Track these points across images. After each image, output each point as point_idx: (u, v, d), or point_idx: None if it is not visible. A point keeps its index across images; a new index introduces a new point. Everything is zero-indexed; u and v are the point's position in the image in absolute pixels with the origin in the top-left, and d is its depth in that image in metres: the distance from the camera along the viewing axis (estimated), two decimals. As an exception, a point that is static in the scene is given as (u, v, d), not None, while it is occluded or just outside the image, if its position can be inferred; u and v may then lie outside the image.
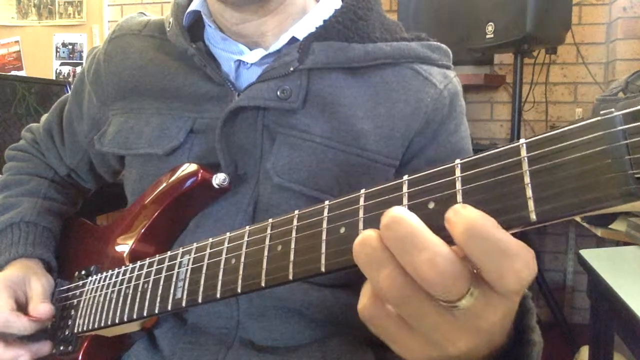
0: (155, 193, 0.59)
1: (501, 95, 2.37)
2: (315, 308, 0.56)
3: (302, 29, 0.60)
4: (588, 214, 0.25)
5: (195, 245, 0.46)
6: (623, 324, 0.93)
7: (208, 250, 0.44)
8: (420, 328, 0.29)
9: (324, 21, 0.59)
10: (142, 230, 0.59)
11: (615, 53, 2.13)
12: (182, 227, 0.60)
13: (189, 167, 0.57)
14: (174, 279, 0.47)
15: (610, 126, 0.24)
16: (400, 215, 0.27)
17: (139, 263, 0.53)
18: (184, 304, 0.44)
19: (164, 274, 0.48)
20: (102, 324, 0.54)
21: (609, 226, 1.50)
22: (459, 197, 0.28)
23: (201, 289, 0.43)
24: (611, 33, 2.19)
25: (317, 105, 0.58)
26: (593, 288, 1.08)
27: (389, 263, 0.27)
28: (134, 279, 0.52)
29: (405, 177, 0.31)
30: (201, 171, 0.56)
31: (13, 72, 2.73)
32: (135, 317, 0.50)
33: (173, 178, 0.58)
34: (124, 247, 0.61)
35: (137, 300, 0.50)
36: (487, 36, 1.80)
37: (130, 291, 0.52)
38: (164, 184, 0.59)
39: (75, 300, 0.62)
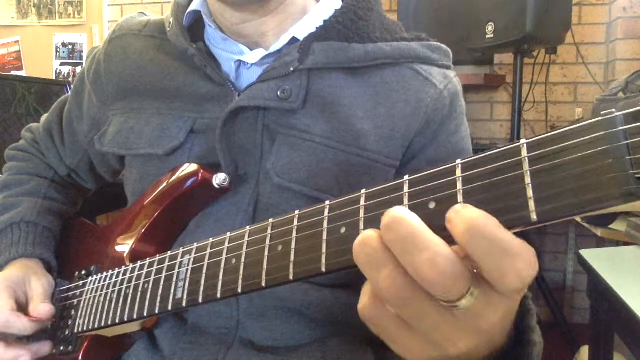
0: (156, 193, 0.59)
1: (501, 95, 2.37)
2: (316, 308, 0.56)
3: (303, 29, 0.60)
4: (589, 214, 0.25)
5: (195, 245, 0.46)
6: (623, 324, 0.93)
7: (208, 250, 0.44)
8: (420, 328, 0.29)
9: (324, 21, 0.60)
10: (143, 230, 0.59)
11: (615, 53, 2.13)
12: (183, 227, 0.60)
13: (190, 167, 0.57)
14: (174, 279, 0.47)
15: (611, 126, 0.24)
16: (401, 216, 0.27)
17: (139, 263, 0.53)
18: (184, 304, 0.44)
19: (164, 274, 0.48)
20: (103, 324, 0.54)
21: (609, 226, 1.50)
22: (460, 197, 0.28)
23: (202, 289, 0.43)
24: (611, 33, 2.19)
25: (317, 106, 0.58)
26: (593, 288, 1.08)
27: (389, 263, 0.27)
28: (134, 279, 0.52)
29: (406, 177, 0.31)
30: (201, 171, 0.56)
31: (13, 72, 2.73)
32: (135, 317, 0.50)
33: (173, 178, 0.58)
34: (124, 247, 0.61)
35: (138, 300, 0.50)
36: (487, 36, 1.80)
37: (131, 291, 0.52)
38: (165, 184, 0.59)
39: (75, 300, 0.62)
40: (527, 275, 0.25)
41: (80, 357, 0.58)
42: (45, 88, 1.67)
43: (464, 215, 0.26)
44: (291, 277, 0.35)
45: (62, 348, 0.60)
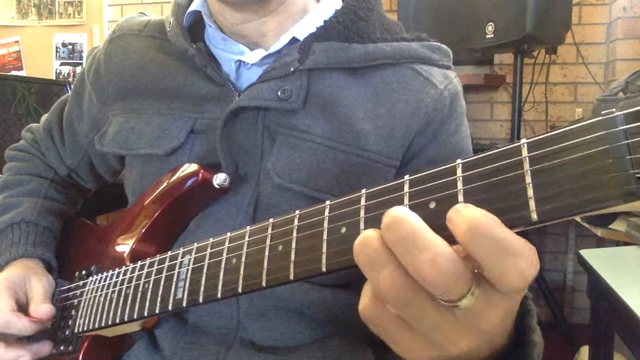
0: (156, 193, 0.59)
1: (501, 95, 2.37)
2: (316, 308, 0.56)
3: (303, 29, 0.60)
4: (589, 213, 0.25)
5: (196, 245, 0.46)
6: (623, 324, 0.93)
7: (209, 250, 0.44)
8: (420, 328, 0.29)
9: (325, 21, 0.60)
10: (143, 230, 0.59)
11: (615, 53, 2.13)
12: (183, 227, 0.60)
13: (190, 167, 0.57)
14: (174, 279, 0.47)
15: (611, 126, 0.24)
16: (402, 215, 0.27)
17: (139, 263, 0.53)
18: (184, 304, 0.44)
19: (164, 274, 0.48)
20: (103, 324, 0.54)
21: (609, 226, 1.50)
22: (460, 197, 0.28)
23: (202, 289, 0.43)
24: (611, 33, 2.19)
25: (318, 106, 0.58)
26: (593, 288, 1.08)
27: (389, 263, 0.27)
28: (134, 279, 0.52)
29: (407, 177, 0.31)
30: (202, 171, 0.56)
31: (13, 72, 2.73)
32: (135, 317, 0.50)
33: (174, 178, 0.58)
34: (124, 247, 0.61)
35: (138, 300, 0.50)
36: (487, 36, 1.80)
37: (131, 291, 0.52)
38: (165, 184, 0.59)
39: (75, 300, 0.62)
40: (528, 275, 0.25)
41: (80, 357, 0.58)
42: (45, 88, 1.67)
43: (466, 215, 0.26)
44: (291, 277, 0.35)
45: (62, 348, 0.60)
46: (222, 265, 0.41)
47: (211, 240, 0.44)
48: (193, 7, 0.63)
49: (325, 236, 0.34)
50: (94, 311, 0.57)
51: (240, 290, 0.39)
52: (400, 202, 0.31)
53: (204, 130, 0.60)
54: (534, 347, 0.37)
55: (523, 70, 1.90)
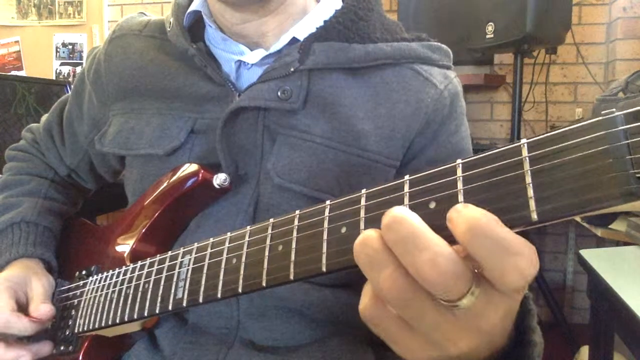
0: (156, 193, 0.59)
1: (501, 95, 2.37)
2: (316, 308, 0.56)
3: (303, 30, 0.60)
4: (589, 213, 0.25)
5: (196, 245, 0.46)
6: (623, 324, 0.93)
7: (209, 250, 0.44)
8: (420, 328, 0.29)
9: (325, 21, 0.60)
10: (143, 230, 0.59)
11: (615, 53, 2.13)
12: (183, 227, 0.60)
13: (190, 167, 0.57)
14: (174, 279, 0.47)
15: (611, 126, 0.24)
16: (402, 215, 0.27)
17: (139, 263, 0.53)
18: (184, 303, 0.44)
19: (164, 273, 0.48)
20: (103, 324, 0.54)
21: (609, 226, 1.50)
22: (460, 197, 0.28)
23: (202, 288, 0.43)
24: (611, 33, 2.19)
25: (318, 106, 0.58)
26: (593, 288, 1.08)
27: (389, 263, 0.27)
28: (134, 279, 0.52)
29: (407, 177, 0.31)
30: (202, 171, 0.56)
31: (13, 72, 2.73)
32: (135, 317, 0.50)
33: (174, 178, 0.58)
34: (124, 247, 0.61)
35: (138, 300, 0.50)
36: (487, 36, 1.80)
37: (131, 291, 0.52)
38: (165, 184, 0.59)
39: (75, 300, 0.62)
40: (528, 274, 0.25)
41: (80, 357, 0.58)
42: (45, 88, 1.67)
43: (466, 215, 0.26)
44: (292, 277, 0.35)
45: (62, 348, 0.60)
46: (222, 265, 0.41)
47: (211, 240, 0.44)
48: (193, 7, 0.63)
49: (325, 236, 0.34)
50: (94, 311, 0.57)
51: (240, 290, 0.39)
52: (400, 202, 0.31)
53: (204, 130, 0.60)
54: (534, 347, 0.37)
55: (523, 70, 1.90)
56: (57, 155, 0.77)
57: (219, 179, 0.55)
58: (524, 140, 0.27)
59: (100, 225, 0.73)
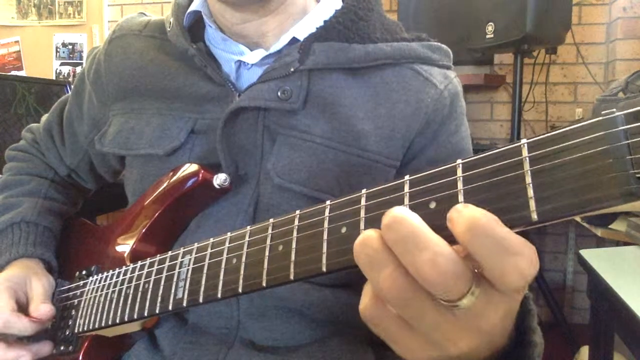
0: (156, 193, 0.59)
1: (501, 95, 2.37)
2: (316, 308, 0.56)
3: (303, 30, 0.60)
4: (589, 213, 0.25)
5: (196, 245, 0.46)
6: (623, 324, 0.93)
7: (209, 250, 0.44)
8: (420, 328, 0.29)
9: (325, 22, 0.60)
10: (143, 230, 0.59)
11: (615, 53, 2.13)
12: (183, 227, 0.60)
13: (190, 168, 0.57)
14: (175, 279, 0.47)
15: (611, 126, 0.24)
16: (402, 215, 0.27)
17: (139, 263, 0.53)
18: (185, 303, 0.45)
19: (165, 273, 0.48)
20: (103, 324, 0.54)
21: (609, 226, 1.50)
22: (461, 197, 0.28)
23: (202, 288, 0.43)
24: (611, 33, 2.19)
25: (318, 106, 0.58)
26: (593, 288, 1.08)
27: (389, 263, 0.27)
28: (134, 279, 0.52)
29: (407, 177, 0.31)
30: (202, 171, 0.56)
31: (13, 72, 2.73)
32: (136, 317, 0.50)
33: (174, 178, 0.58)
34: (124, 247, 0.61)
35: (138, 300, 0.50)
36: (487, 36, 1.80)
37: (131, 291, 0.52)
38: (165, 184, 0.59)
39: (75, 300, 0.62)
40: (528, 274, 0.25)
41: (80, 357, 0.58)
42: (45, 88, 1.67)
43: (466, 214, 0.26)
44: (292, 277, 0.35)
45: (62, 348, 0.60)
46: (223, 265, 0.42)
47: (211, 240, 0.44)
48: (193, 7, 0.63)
49: (325, 236, 0.34)
50: (94, 311, 0.57)
51: (240, 290, 0.39)
52: (400, 202, 0.31)
53: (204, 130, 0.60)
54: (534, 348, 0.37)
55: (523, 70, 1.90)
56: (57, 155, 0.77)
57: (219, 179, 0.55)
58: (524, 141, 0.27)
59: (100, 225, 0.73)
